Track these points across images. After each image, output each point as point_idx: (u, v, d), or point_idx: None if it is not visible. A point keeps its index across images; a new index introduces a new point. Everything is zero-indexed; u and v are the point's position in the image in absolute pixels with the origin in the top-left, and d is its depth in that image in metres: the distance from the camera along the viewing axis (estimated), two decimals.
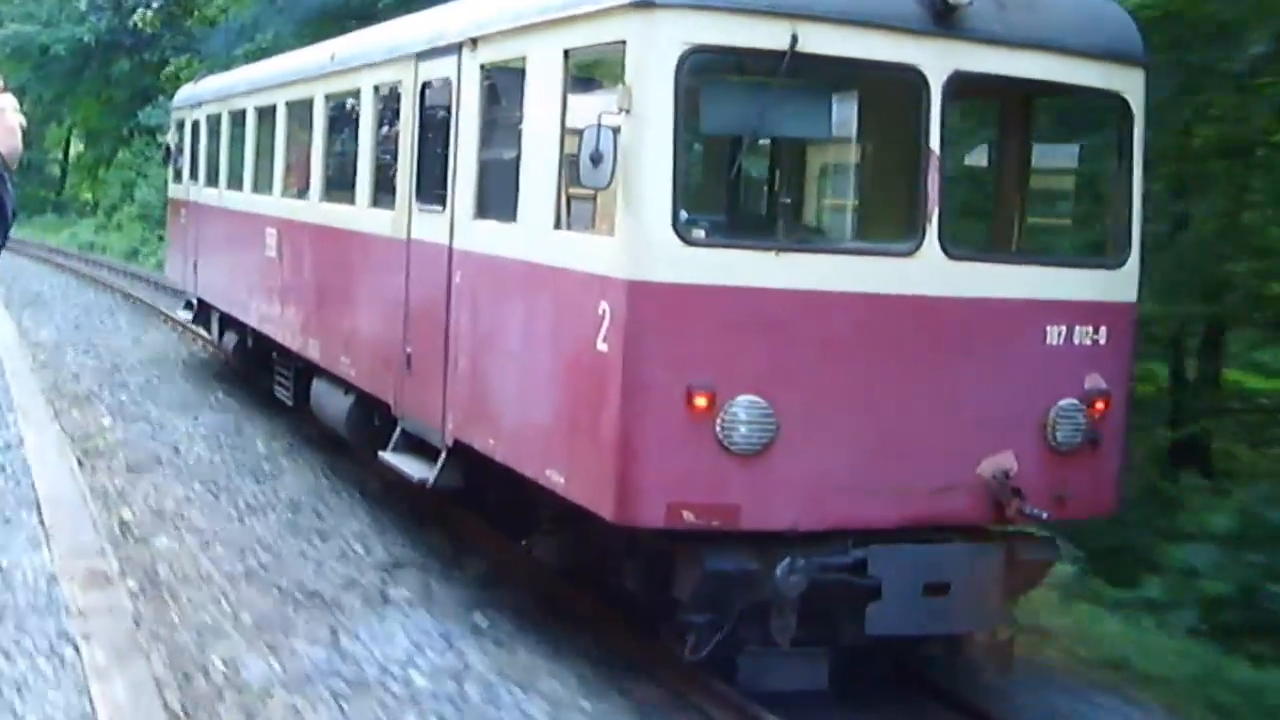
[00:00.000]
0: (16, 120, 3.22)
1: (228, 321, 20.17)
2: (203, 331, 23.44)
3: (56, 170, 75.30)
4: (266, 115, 17.63)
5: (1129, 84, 9.49)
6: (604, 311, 8.48)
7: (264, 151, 17.82)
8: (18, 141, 3.20)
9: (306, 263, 15.59)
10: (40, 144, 67.66)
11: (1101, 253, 9.96)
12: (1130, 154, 9.56)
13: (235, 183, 19.26)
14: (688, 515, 8.39)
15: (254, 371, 19.42)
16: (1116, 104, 9.53)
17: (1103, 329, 9.35)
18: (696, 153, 9.06)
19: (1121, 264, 9.56)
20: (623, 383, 8.37)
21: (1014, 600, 9.72)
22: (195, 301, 22.40)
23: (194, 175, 22.53)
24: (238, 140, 19.31)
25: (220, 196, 20.32)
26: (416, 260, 11.72)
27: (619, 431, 8.42)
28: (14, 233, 3.29)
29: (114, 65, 55.50)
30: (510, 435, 9.95)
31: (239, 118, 19.20)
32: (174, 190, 24.39)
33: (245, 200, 18.51)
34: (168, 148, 24.66)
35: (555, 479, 9.13)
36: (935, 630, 9.43)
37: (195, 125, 22.49)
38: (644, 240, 8.32)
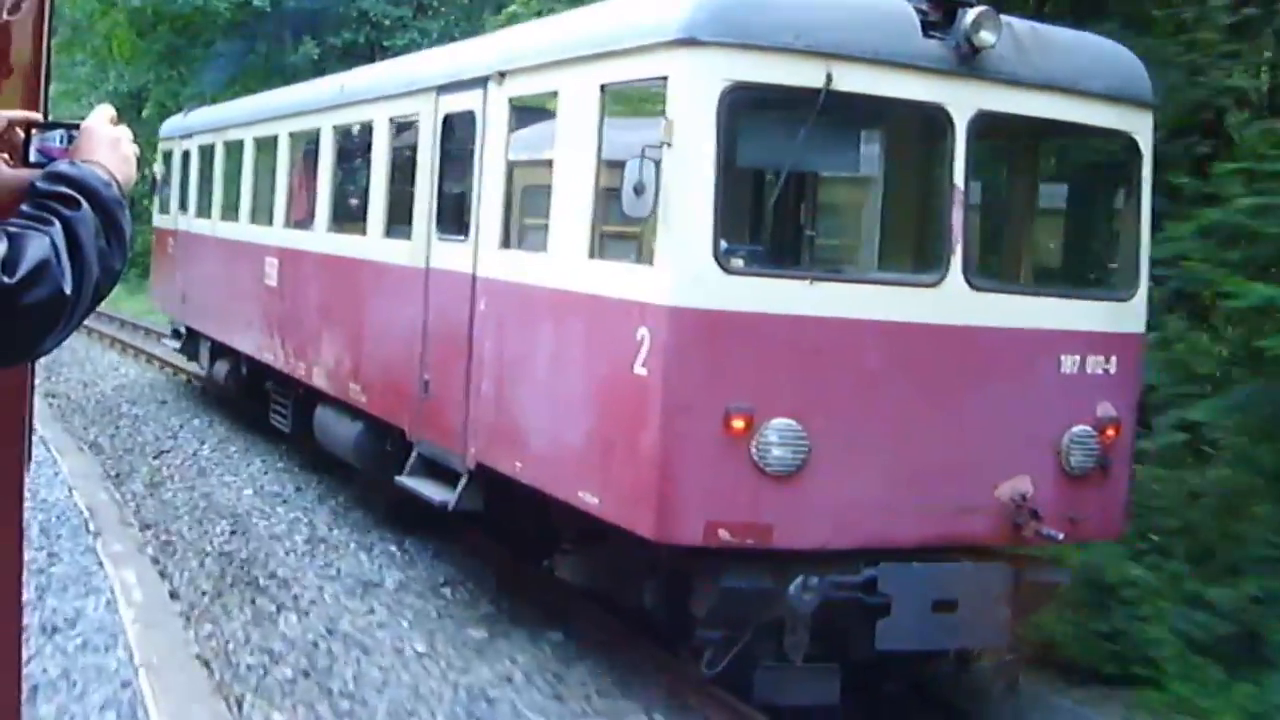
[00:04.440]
0: (132, 150, 3.40)
1: (219, 350, 20.30)
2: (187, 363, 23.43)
3: None
4: (267, 146, 17.84)
5: (1138, 125, 9.92)
6: (643, 337, 8.78)
7: (264, 181, 18.02)
8: (133, 170, 3.38)
9: (311, 292, 15.79)
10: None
11: (1112, 286, 10.35)
12: (1139, 192, 9.98)
13: (230, 212, 19.44)
14: (724, 534, 8.69)
15: (247, 400, 19.54)
16: (1126, 143, 9.97)
17: (1113, 358, 9.74)
18: (733, 185, 9.38)
19: (1131, 296, 9.97)
20: (663, 405, 8.68)
21: (1022, 620, 10.07)
22: (184, 330, 22.53)
23: (183, 205, 22.69)
24: (233, 170, 19.49)
25: (213, 226, 20.48)
26: (436, 289, 11.99)
27: (659, 452, 8.71)
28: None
29: (298, 49, 35.57)
30: (539, 458, 10.21)
31: (235, 148, 19.40)
32: (160, 220, 24.52)
33: (243, 230, 18.69)
34: (153, 178, 24.74)
35: (588, 500, 9.40)
36: (943, 646, 9.71)
37: (185, 155, 22.65)
38: (685, 268, 8.65)
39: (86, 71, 46.80)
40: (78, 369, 25.68)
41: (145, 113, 42.72)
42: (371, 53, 33.80)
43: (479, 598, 12.03)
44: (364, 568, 12.88)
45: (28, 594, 9.49)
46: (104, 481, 15.73)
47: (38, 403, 18.29)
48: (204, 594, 11.72)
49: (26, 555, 9.28)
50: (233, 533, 13.89)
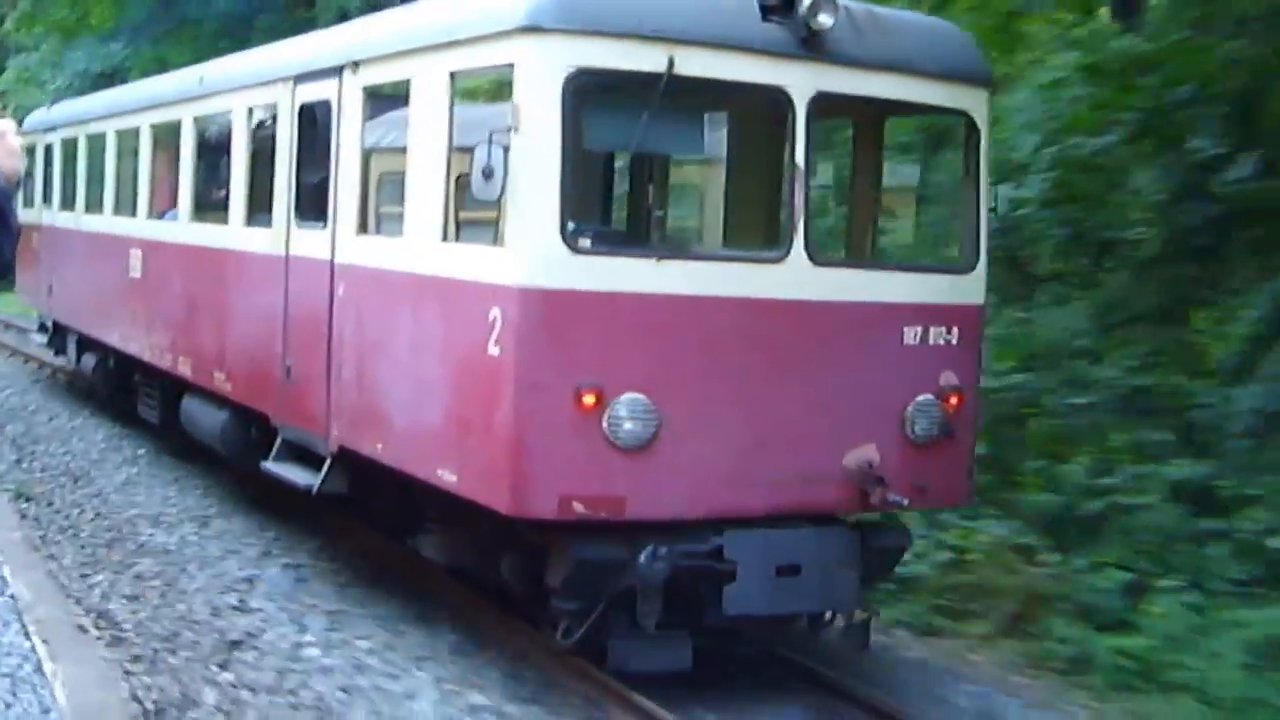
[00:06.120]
0: (17, 142, 3.53)
1: (86, 343, 20.18)
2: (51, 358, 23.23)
3: None
4: (128, 138, 17.78)
5: (974, 103, 10.24)
6: (495, 317, 8.96)
7: (126, 173, 17.94)
8: (18, 163, 3.52)
9: (175, 282, 15.77)
10: None
11: (953, 259, 10.68)
12: (976, 168, 10.32)
13: (95, 205, 19.33)
14: (578, 507, 8.90)
15: (116, 392, 19.43)
16: (963, 121, 10.30)
17: (955, 329, 10.06)
18: (580, 167, 9.58)
19: (971, 268, 10.32)
20: (515, 384, 8.86)
21: (871, 584, 10.39)
22: (51, 324, 22.34)
23: (47, 199, 22.51)
24: (96, 162, 19.38)
25: (77, 220, 20.35)
26: (296, 276, 12.08)
27: (512, 430, 8.90)
28: None
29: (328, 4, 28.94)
30: (399, 439, 10.35)
31: (98, 141, 19.29)
32: (24, 214, 24.25)
33: (106, 222, 18.60)
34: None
35: (447, 478, 9.56)
36: (788, 610, 9.91)
37: (48, 149, 22.48)
38: (534, 249, 8.84)
39: (50, 49, 41.44)
40: (59, 443, 18.64)
41: None
42: None
43: None
44: None
45: None
46: None
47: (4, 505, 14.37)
48: None
49: None
50: None
